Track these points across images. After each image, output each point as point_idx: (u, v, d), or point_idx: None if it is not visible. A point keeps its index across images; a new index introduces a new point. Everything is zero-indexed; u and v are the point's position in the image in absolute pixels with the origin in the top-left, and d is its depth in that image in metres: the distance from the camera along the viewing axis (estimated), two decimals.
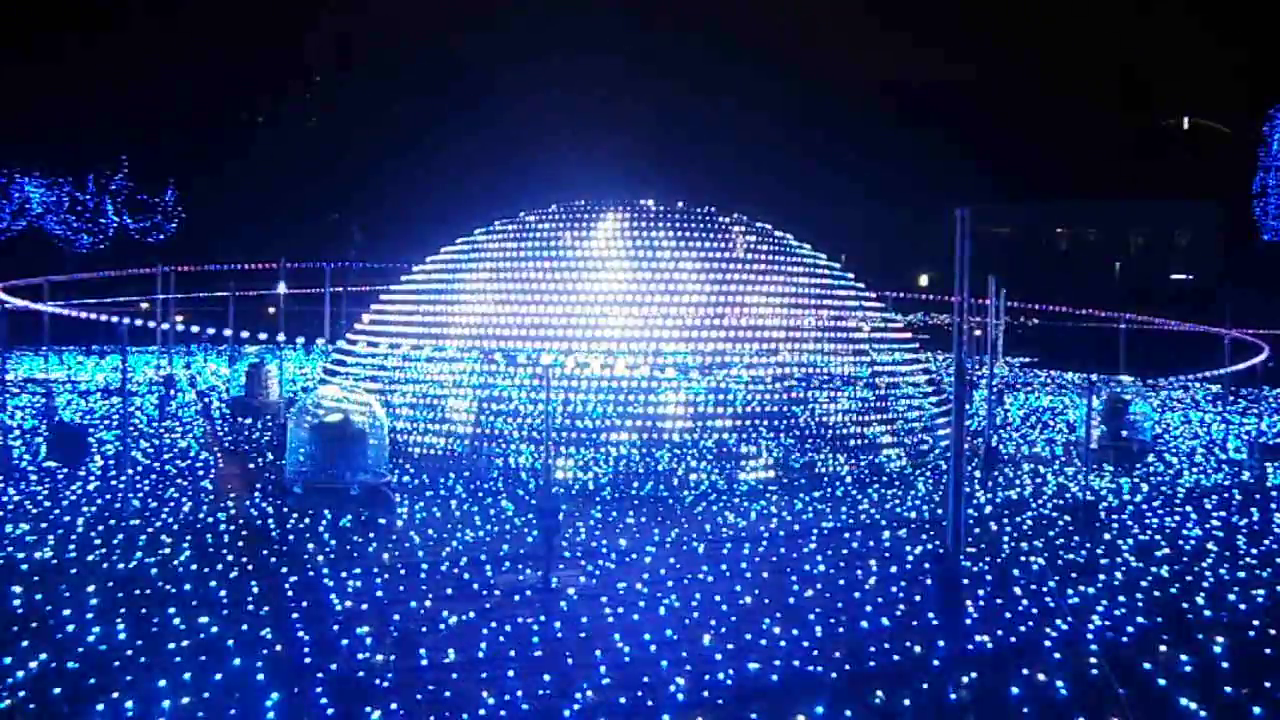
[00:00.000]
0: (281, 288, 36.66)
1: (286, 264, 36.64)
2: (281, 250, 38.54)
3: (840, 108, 71.04)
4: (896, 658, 8.39)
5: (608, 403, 15.06)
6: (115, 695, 7.26)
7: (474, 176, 60.02)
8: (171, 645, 8.21)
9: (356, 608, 9.31)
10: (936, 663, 8.26)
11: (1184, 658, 8.44)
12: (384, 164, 62.31)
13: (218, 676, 7.61)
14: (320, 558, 10.91)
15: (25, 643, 8.22)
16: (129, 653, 8.07)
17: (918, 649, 8.53)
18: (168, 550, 10.97)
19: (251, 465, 16.10)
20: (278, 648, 8.28)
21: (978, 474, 15.91)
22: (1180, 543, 12.31)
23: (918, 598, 9.88)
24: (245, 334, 14.89)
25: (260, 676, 7.65)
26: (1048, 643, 8.75)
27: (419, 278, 18.97)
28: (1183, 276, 65.28)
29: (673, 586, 10.18)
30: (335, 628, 8.76)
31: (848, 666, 8.17)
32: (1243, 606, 9.90)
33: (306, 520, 12.53)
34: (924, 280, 62.70)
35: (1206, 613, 9.68)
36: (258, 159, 59.89)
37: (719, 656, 8.29)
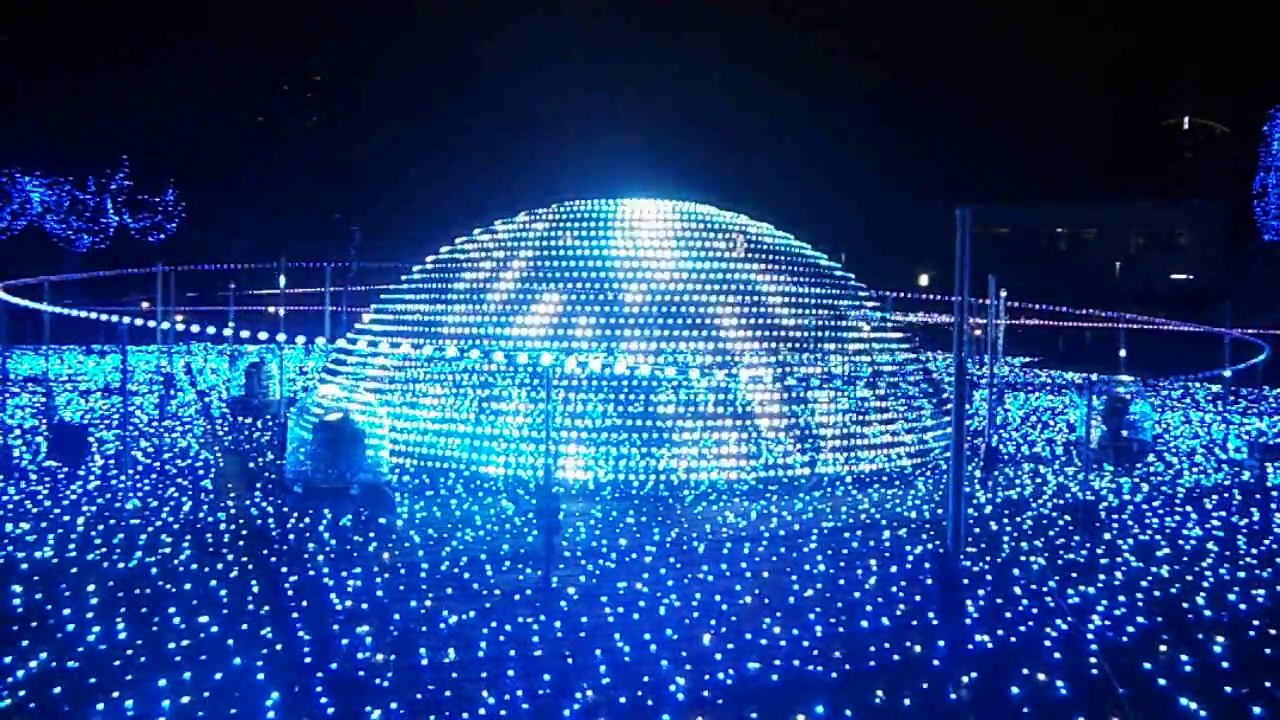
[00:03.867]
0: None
1: (286, 264, 36.66)
2: (282, 250, 38.56)
3: (841, 108, 71.03)
4: (896, 658, 8.39)
5: (609, 402, 15.05)
6: (115, 695, 7.26)
7: (474, 176, 60.03)
8: (171, 645, 8.21)
9: (356, 607, 9.31)
10: (936, 663, 8.26)
11: (1184, 658, 8.44)
12: (384, 164, 62.30)
13: (218, 675, 7.61)
14: (320, 557, 10.91)
15: (25, 642, 8.22)
16: (129, 652, 8.07)
17: (918, 649, 8.53)
18: (168, 550, 10.97)
19: (252, 464, 16.09)
20: (278, 647, 8.28)
21: (978, 474, 15.92)
22: (1180, 543, 12.31)
23: (918, 598, 9.88)
24: (245, 333, 14.87)
25: (260, 675, 7.65)
26: (1048, 643, 8.75)
27: (419, 277, 18.95)
28: (1183, 276, 65.29)
29: (673, 586, 10.17)
30: (335, 627, 8.76)
31: (848, 666, 8.17)
32: (1243, 606, 9.90)
33: (306, 520, 12.53)
34: (924, 280, 62.68)
35: (1206, 613, 9.68)
36: (258, 159, 59.90)
37: (719, 656, 8.29)
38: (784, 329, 16.48)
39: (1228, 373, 25.81)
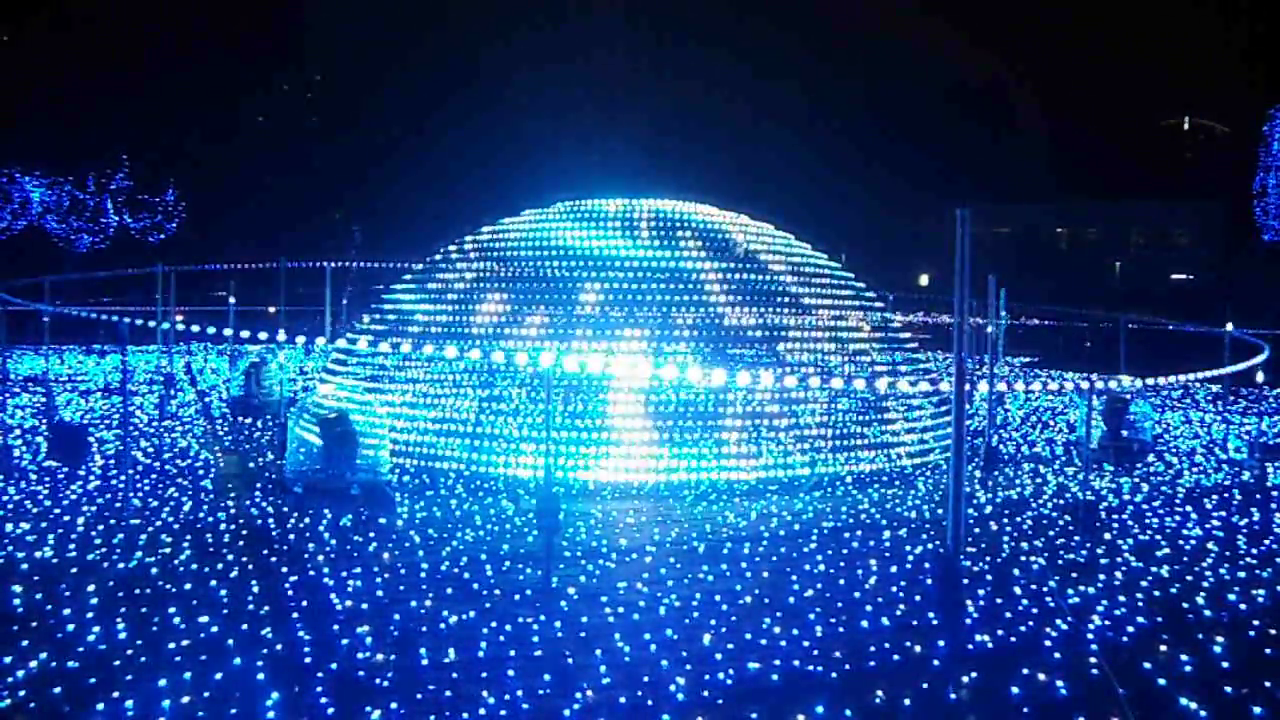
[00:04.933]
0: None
1: (286, 264, 36.64)
2: (281, 250, 38.54)
3: (841, 108, 71.06)
4: (896, 657, 8.40)
5: (608, 402, 15.04)
6: (115, 695, 7.26)
7: (474, 175, 60.04)
8: (171, 645, 8.21)
9: (356, 607, 9.31)
10: (936, 662, 8.26)
11: (1184, 658, 8.44)
12: (384, 163, 62.29)
13: (218, 676, 7.61)
14: (320, 557, 10.91)
15: (25, 642, 8.22)
16: (129, 652, 8.07)
17: (918, 649, 8.54)
18: (168, 550, 10.97)
19: (252, 464, 16.08)
20: (278, 647, 8.28)
21: (978, 474, 15.91)
22: (1180, 543, 12.31)
23: (918, 598, 9.88)
24: (245, 334, 14.87)
25: (260, 676, 7.65)
26: (1048, 643, 8.75)
27: (419, 277, 18.95)
28: (1183, 276, 65.30)
29: (673, 586, 10.18)
30: (335, 627, 8.77)
31: (848, 666, 8.17)
32: (1243, 606, 9.90)
33: (306, 520, 12.53)
34: (924, 280, 62.70)
35: (1206, 613, 9.68)
36: (258, 159, 59.90)
37: (719, 656, 8.29)
38: (784, 329, 16.47)
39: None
